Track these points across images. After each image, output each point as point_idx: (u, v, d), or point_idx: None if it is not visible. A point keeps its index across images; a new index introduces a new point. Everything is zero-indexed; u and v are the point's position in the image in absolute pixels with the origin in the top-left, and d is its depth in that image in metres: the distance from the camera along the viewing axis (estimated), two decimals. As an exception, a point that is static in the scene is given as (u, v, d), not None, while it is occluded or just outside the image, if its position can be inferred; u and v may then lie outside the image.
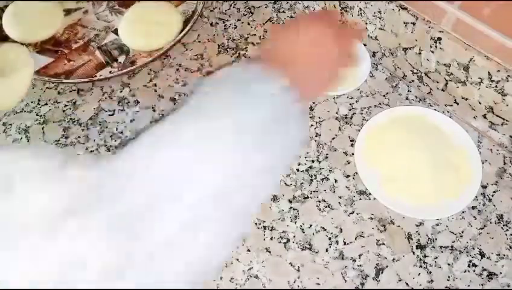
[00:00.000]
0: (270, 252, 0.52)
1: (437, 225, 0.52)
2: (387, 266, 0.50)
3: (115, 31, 0.69)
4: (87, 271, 0.27)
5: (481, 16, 0.49)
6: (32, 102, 0.64)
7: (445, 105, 0.60)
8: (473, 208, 0.53)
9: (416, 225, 0.52)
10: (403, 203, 0.52)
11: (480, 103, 0.55)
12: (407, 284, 0.49)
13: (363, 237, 0.52)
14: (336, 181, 0.56)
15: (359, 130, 0.58)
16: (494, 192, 0.54)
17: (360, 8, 0.61)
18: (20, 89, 0.59)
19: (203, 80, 0.39)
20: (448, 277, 0.50)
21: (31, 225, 0.28)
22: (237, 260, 0.51)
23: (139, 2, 0.71)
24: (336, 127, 0.60)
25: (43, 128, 0.62)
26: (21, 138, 0.61)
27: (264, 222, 0.54)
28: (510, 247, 0.51)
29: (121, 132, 0.61)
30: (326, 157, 0.58)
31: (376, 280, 0.50)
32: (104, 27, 0.70)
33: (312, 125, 0.60)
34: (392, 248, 0.51)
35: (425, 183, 0.53)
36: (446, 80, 0.57)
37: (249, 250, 0.52)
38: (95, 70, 0.66)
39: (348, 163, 0.57)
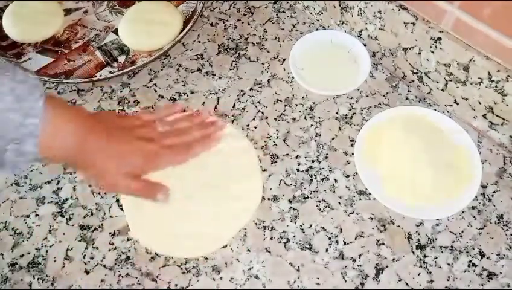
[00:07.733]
0: (270, 252, 0.52)
1: (437, 225, 0.52)
2: (387, 266, 0.50)
3: (115, 31, 0.69)
4: None
5: (481, 16, 0.49)
6: (32, 102, 0.64)
7: (445, 105, 0.60)
8: (473, 208, 0.53)
9: (416, 225, 0.53)
10: (402, 203, 0.52)
11: (480, 103, 0.55)
12: (407, 284, 0.49)
13: (363, 237, 0.52)
14: (335, 181, 0.56)
15: (359, 130, 0.58)
16: (494, 192, 0.54)
17: (360, 8, 0.61)
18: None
19: None
20: (448, 277, 0.50)
21: None
22: (237, 260, 0.51)
23: (139, 2, 0.71)
24: (336, 127, 0.60)
25: (43, 128, 0.62)
26: (21, 138, 0.61)
27: (264, 222, 0.54)
28: (510, 247, 0.51)
29: (121, 132, 0.61)
30: (326, 158, 0.58)
31: (376, 280, 0.50)
32: (104, 27, 0.70)
33: (312, 125, 0.60)
34: (392, 248, 0.51)
35: (425, 183, 0.53)
36: (446, 80, 0.57)
37: (249, 250, 0.52)
38: (95, 70, 0.66)
39: (348, 163, 0.57)
